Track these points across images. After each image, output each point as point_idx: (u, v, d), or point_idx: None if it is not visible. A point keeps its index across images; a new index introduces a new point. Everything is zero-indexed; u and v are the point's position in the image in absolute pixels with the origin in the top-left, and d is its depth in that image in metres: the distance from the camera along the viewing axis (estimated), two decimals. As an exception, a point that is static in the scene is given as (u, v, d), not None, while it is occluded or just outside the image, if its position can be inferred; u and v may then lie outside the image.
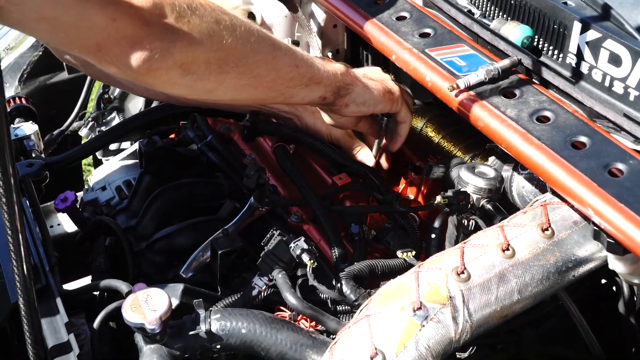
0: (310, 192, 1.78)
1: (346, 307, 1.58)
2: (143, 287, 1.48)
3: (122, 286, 1.62)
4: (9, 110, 2.23)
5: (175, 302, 1.51)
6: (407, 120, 1.88)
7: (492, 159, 1.89)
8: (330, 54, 2.54)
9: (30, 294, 1.34)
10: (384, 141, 1.94)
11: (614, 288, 1.76)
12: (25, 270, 1.31)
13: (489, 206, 1.66)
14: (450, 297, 1.35)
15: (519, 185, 1.76)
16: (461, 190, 1.66)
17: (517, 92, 1.62)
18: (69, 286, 1.89)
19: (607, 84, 1.58)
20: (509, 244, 1.41)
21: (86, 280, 2.19)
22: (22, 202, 1.24)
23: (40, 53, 2.87)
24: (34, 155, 2.08)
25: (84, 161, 3.28)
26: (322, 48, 2.51)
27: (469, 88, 1.62)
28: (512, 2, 1.79)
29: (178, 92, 1.52)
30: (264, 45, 1.57)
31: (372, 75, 1.83)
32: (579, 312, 1.62)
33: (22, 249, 1.28)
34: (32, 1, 1.22)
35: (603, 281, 1.78)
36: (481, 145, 1.93)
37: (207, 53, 1.46)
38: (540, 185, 1.67)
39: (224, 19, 1.48)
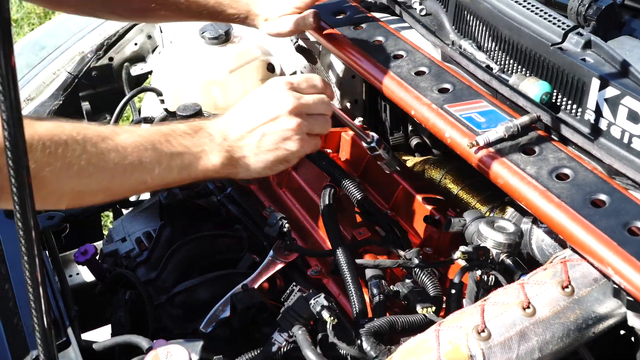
0: (340, 244, 1.77)
1: (366, 363, 1.58)
2: (163, 343, 1.49)
3: (143, 342, 1.62)
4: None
5: (195, 358, 1.52)
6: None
7: (510, 211, 1.90)
8: (348, 104, 2.56)
9: (51, 349, 1.34)
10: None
11: (633, 339, 1.75)
12: (46, 325, 1.31)
13: (508, 261, 1.66)
14: (471, 356, 1.34)
15: (538, 238, 1.76)
16: (481, 245, 1.66)
17: (536, 149, 1.62)
18: (88, 335, 1.90)
19: (626, 140, 1.58)
20: (529, 302, 1.41)
21: (105, 329, 2.19)
22: (42, 256, 1.25)
23: (61, 102, 2.90)
24: (54, 207, 2.10)
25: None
26: (340, 99, 2.53)
27: (488, 145, 1.63)
28: (531, 57, 1.80)
29: None
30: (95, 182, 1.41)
31: (270, 132, 1.56)
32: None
33: (43, 304, 1.28)
34: None
35: (622, 332, 1.77)
36: (500, 197, 1.94)
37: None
38: (560, 239, 1.67)
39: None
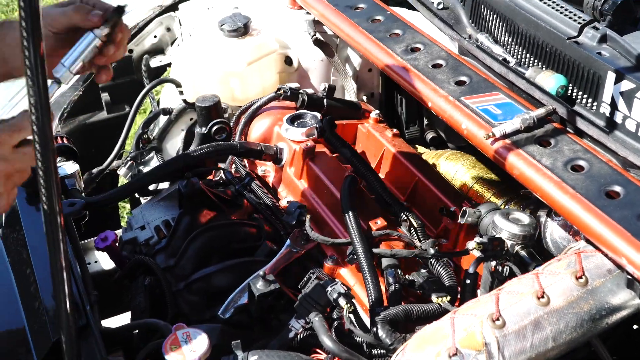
0: (359, 233, 1.79)
1: (381, 351, 1.59)
2: (182, 327, 1.51)
3: (162, 326, 1.64)
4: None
5: (213, 343, 1.54)
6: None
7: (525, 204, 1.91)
8: (365, 98, 2.58)
9: (72, 332, 1.37)
10: None
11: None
12: (68, 309, 1.33)
13: (523, 252, 1.67)
14: (485, 343, 1.36)
15: (552, 231, 1.77)
16: (496, 236, 1.68)
17: (552, 141, 1.64)
18: (108, 322, 1.92)
19: (640, 133, 1.60)
20: (544, 292, 1.42)
21: (124, 317, 2.22)
22: (66, 242, 1.27)
23: (81, 93, 2.92)
24: (75, 194, 2.12)
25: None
26: (357, 92, 2.55)
27: (504, 136, 1.65)
28: (547, 51, 1.81)
29: None
30: None
31: None
32: (611, 359, 1.62)
33: (65, 287, 1.31)
34: None
35: (635, 327, 1.78)
36: (515, 189, 1.95)
37: None
38: (574, 231, 1.68)
39: None
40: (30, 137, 1.32)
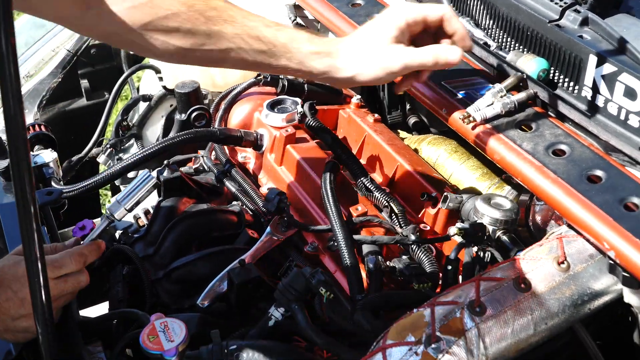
0: (340, 220, 1.78)
1: (362, 338, 1.58)
2: (161, 317, 1.50)
3: (140, 315, 1.63)
4: (28, 137, 2.25)
5: (191, 332, 1.52)
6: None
7: (507, 188, 1.90)
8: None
9: (48, 323, 1.35)
10: None
11: (630, 319, 1.75)
12: (43, 299, 1.32)
13: (505, 237, 1.67)
14: (466, 330, 1.35)
15: (534, 215, 1.76)
16: (477, 221, 1.67)
17: (533, 125, 1.63)
18: (86, 312, 1.90)
19: (622, 117, 1.59)
20: (525, 277, 1.41)
21: (103, 306, 2.20)
22: (41, 231, 1.25)
23: (60, 80, 2.90)
24: (53, 182, 2.10)
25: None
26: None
27: (485, 121, 1.64)
28: (528, 34, 1.80)
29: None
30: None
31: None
32: (594, 344, 1.62)
33: (40, 278, 1.29)
34: None
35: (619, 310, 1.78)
36: (497, 174, 1.94)
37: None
38: (556, 216, 1.68)
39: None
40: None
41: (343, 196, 1.90)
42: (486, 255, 1.64)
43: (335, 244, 1.74)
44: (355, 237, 1.77)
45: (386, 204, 1.86)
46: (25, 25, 3.05)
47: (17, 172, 1.15)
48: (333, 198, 1.81)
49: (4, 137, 2.04)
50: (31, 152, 2.21)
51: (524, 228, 1.77)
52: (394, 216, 1.85)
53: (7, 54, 1.03)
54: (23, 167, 1.15)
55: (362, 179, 1.92)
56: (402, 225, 1.82)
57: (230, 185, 2.09)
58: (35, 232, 1.23)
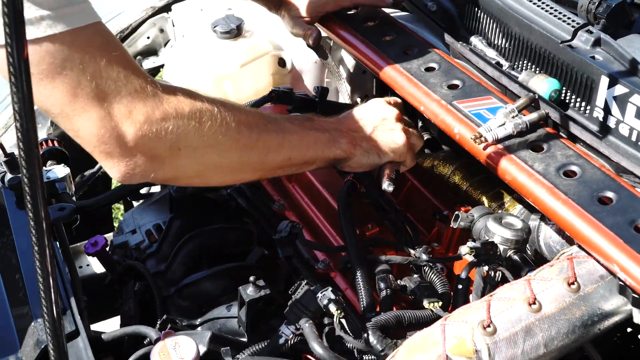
0: (354, 240, 1.79)
1: (372, 357, 1.58)
2: (171, 334, 1.50)
3: (151, 332, 1.63)
4: (41, 153, 2.26)
5: (202, 349, 1.53)
6: (409, 166, 1.89)
7: (519, 208, 1.90)
8: (359, 100, 2.57)
9: (60, 339, 1.36)
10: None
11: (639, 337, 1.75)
12: (55, 315, 1.32)
13: (516, 257, 1.66)
14: (476, 350, 1.35)
15: (546, 235, 1.76)
16: (488, 240, 1.67)
17: (544, 146, 1.63)
18: (97, 326, 1.91)
19: (634, 138, 1.59)
20: (535, 298, 1.41)
21: (114, 321, 2.21)
22: (53, 247, 1.26)
23: (73, 94, 2.91)
24: (65, 198, 2.11)
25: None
26: (350, 94, 2.54)
27: (497, 141, 1.64)
28: (541, 54, 1.80)
29: None
30: (255, 156, 1.63)
31: (380, 128, 1.82)
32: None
33: (52, 294, 1.29)
34: None
35: (629, 330, 1.77)
36: (508, 194, 1.94)
37: (191, 172, 1.56)
38: (567, 235, 1.67)
39: (221, 141, 1.54)
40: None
41: (355, 214, 1.90)
42: (497, 275, 1.64)
43: (349, 265, 1.75)
44: (369, 257, 1.77)
45: (401, 225, 1.87)
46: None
47: (30, 188, 1.15)
48: (348, 218, 1.82)
49: (16, 152, 2.04)
50: (44, 167, 2.21)
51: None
52: (406, 236, 1.86)
53: (20, 70, 1.04)
54: (35, 185, 1.16)
55: (377, 198, 1.93)
56: (415, 245, 1.82)
57: (241, 202, 2.09)
58: (48, 248, 1.24)
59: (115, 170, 1.42)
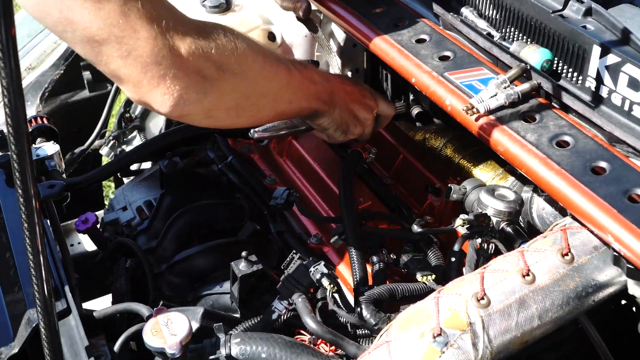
0: (351, 210, 1.78)
1: (366, 331, 1.58)
2: (164, 310, 1.50)
3: (143, 309, 1.63)
4: (30, 130, 2.25)
5: (195, 326, 1.52)
6: (387, 114, 2.01)
7: (511, 180, 1.89)
8: (349, 73, 2.55)
9: (51, 317, 1.35)
10: None
11: (634, 309, 1.75)
12: (46, 293, 1.32)
13: (509, 229, 1.66)
14: (470, 323, 1.34)
15: (539, 207, 1.76)
16: (481, 213, 1.66)
17: (537, 116, 1.61)
18: (89, 304, 1.90)
19: (626, 108, 1.57)
20: (529, 270, 1.40)
21: (106, 299, 2.20)
22: (43, 225, 1.25)
23: (62, 72, 2.90)
24: (55, 175, 2.10)
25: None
26: (341, 67, 2.52)
27: (489, 112, 1.63)
28: (532, 25, 1.79)
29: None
30: (273, 87, 1.65)
31: (357, 107, 1.90)
32: (598, 336, 1.61)
33: (43, 272, 1.28)
34: None
35: (623, 302, 1.77)
36: (501, 165, 1.93)
37: (230, 103, 1.54)
38: (560, 207, 1.67)
39: (255, 71, 1.58)
40: None
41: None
42: (490, 247, 1.64)
43: (342, 237, 1.74)
44: (364, 228, 1.77)
45: (394, 205, 1.87)
46: (27, 17, 3.04)
47: (19, 165, 1.14)
48: (349, 188, 1.82)
49: (5, 130, 2.03)
50: (33, 145, 2.20)
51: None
52: (398, 208, 1.86)
53: (8, 46, 1.03)
54: (24, 161, 1.15)
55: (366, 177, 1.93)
56: (407, 218, 1.81)
57: (233, 177, 2.08)
58: (38, 226, 1.23)
59: (168, 95, 1.39)
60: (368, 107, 1.92)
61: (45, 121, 2.34)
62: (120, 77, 1.38)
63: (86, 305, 1.80)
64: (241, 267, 1.68)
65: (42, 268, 1.28)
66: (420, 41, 1.88)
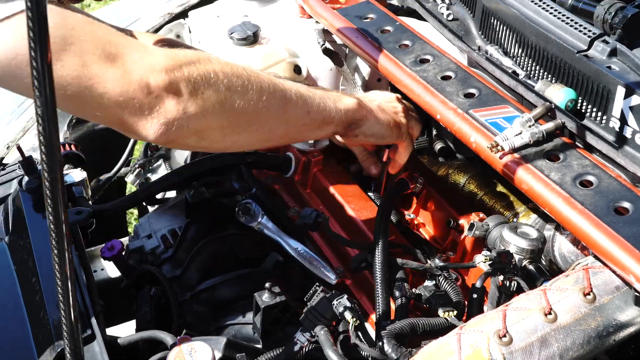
0: (386, 241, 1.78)
1: (387, 364, 1.58)
2: (187, 339, 1.51)
3: (167, 338, 1.64)
4: (59, 157, 2.27)
5: (218, 355, 1.53)
6: (408, 150, 1.97)
7: (534, 217, 1.90)
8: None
9: (77, 343, 1.36)
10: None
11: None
12: (73, 319, 1.33)
13: (531, 267, 1.66)
14: (491, 360, 1.35)
15: (561, 245, 1.76)
16: (503, 250, 1.67)
17: (561, 155, 1.63)
18: (113, 330, 1.92)
19: (650, 149, 1.59)
20: (551, 308, 1.41)
21: (130, 325, 2.21)
22: (72, 251, 1.27)
23: (90, 99, 2.92)
24: (82, 202, 2.12)
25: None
26: (366, 101, 2.54)
27: (513, 150, 1.64)
28: (557, 64, 1.80)
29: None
30: (275, 101, 1.63)
31: (385, 106, 1.92)
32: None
33: (70, 298, 1.30)
34: None
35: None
36: (524, 203, 1.94)
37: (219, 120, 1.54)
38: (582, 246, 1.68)
39: (235, 83, 1.54)
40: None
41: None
42: (512, 284, 1.64)
43: (362, 264, 1.75)
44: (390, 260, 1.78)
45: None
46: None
47: (51, 191, 1.16)
48: (386, 217, 1.84)
49: (34, 155, 2.06)
50: (61, 172, 2.22)
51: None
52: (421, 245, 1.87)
53: (44, 73, 1.04)
54: (56, 188, 1.16)
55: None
56: (429, 255, 1.83)
57: (257, 208, 2.09)
58: (67, 252, 1.24)
59: (150, 125, 1.42)
60: (394, 103, 1.97)
61: (73, 148, 2.37)
62: (105, 121, 1.42)
63: (110, 331, 1.81)
64: (264, 298, 1.69)
65: (70, 294, 1.30)
66: (445, 78, 1.90)
